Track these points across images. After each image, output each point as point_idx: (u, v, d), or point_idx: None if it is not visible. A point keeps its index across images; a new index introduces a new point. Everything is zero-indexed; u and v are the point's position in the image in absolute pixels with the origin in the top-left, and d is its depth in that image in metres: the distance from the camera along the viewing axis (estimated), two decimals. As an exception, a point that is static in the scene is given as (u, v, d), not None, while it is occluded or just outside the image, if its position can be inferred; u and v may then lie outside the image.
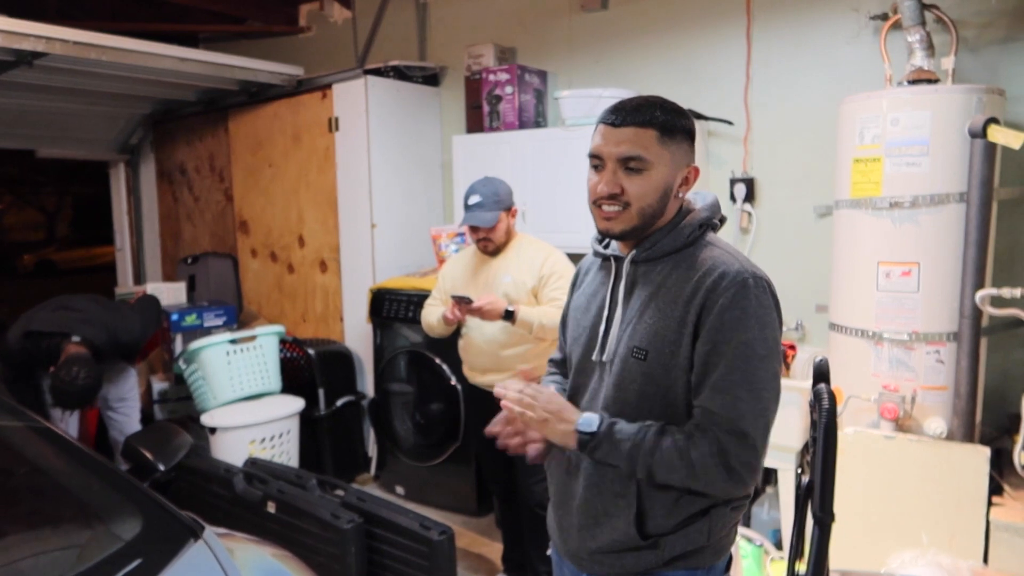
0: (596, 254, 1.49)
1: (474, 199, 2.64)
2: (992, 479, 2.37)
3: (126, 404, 3.64)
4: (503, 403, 1.35)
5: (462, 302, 2.54)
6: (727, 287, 1.26)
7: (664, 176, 1.32)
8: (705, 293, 1.27)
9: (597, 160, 1.34)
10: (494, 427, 1.45)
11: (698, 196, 1.43)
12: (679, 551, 1.32)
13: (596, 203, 1.35)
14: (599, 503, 1.36)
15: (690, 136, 1.35)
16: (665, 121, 1.30)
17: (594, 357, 1.40)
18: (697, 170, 1.37)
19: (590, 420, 1.30)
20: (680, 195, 1.37)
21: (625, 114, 1.31)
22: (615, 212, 1.32)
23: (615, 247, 1.44)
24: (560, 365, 1.67)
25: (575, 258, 2.83)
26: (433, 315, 2.78)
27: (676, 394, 1.30)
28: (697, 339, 1.27)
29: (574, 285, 1.60)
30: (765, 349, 1.25)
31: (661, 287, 1.33)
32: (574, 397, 1.46)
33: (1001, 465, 2.54)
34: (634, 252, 1.37)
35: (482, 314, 2.52)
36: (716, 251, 1.33)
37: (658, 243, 1.35)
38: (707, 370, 1.25)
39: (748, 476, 1.23)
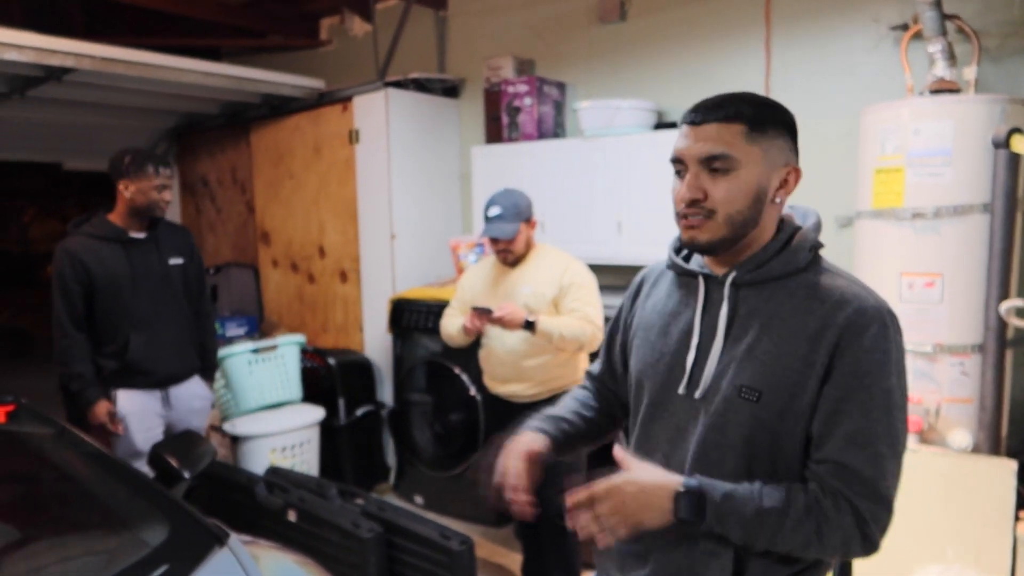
0: (674, 267, 1.30)
1: (494, 211, 2.66)
2: (1019, 493, 2.33)
3: None
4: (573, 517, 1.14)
5: (482, 313, 2.55)
6: (867, 325, 1.10)
7: (755, 177, 1.14)
8: (839, 330, 1.10)
9: (679, 164, 1.18)
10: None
11: (797, 211, 1.26)
12: None
13: (679, 213, 1.18)
14: (686, 560, 1.18)
15: (789, 130, 1.18)
16: (755, 114, 1.14)
17: (681, 391, 1.21)
18: (799, 171, 1.19)
19: (686, 503, 1.09)
20: (778, 200, 1.18)
21: (707, 110, 1.15)
22: (699, 221, 1.15)
23: (699, 262, 1.26)
24: (599, 380, 1.52)
25: (595, 269, 2.84)
26: (453, 325, 2.79)
27: (789, 442, 1.13)
28: (826, 382, 1.11)
29: (636, 296, 1.42)
30: (903, 399, 1.11)
31: (774, 317, 1.14)
32: (647, 432, 1.29)
33: (1028, 479, 2.50)
34: (736, 273, 1.18)
35: (502, 324, 2.52)
36: (840, 280, 1.16)
37: (765, 264, 1.17)
38: (840, 419, 1.09)
39: (881, 540, 1.10)
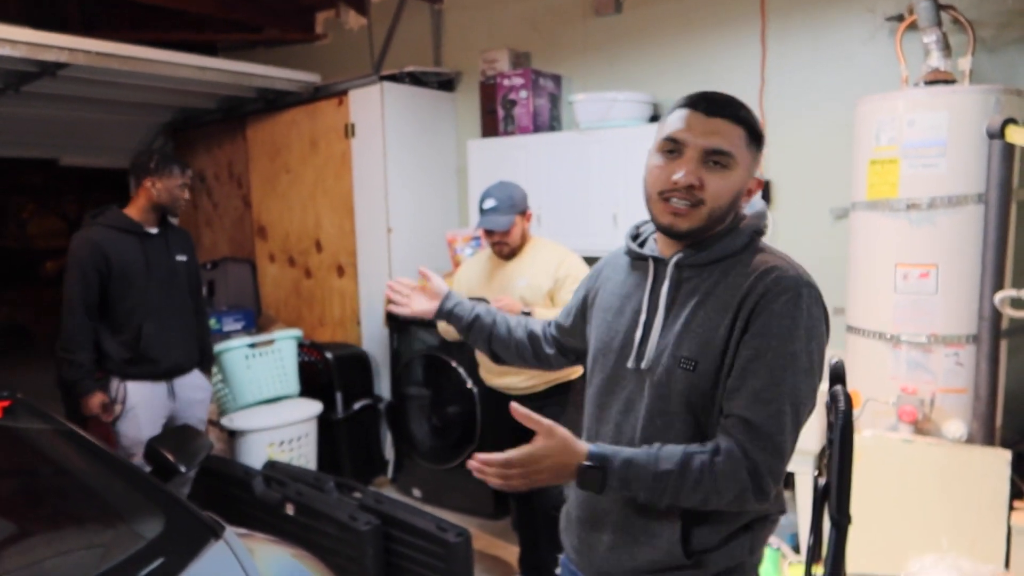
0: (630, 252, 1.39)
1: (489, 203, 2.66)
2: (1013, 483, 2.34)
3: None
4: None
5: None
6: (781, 292, 1.17)
7: (742, 180, 1.22)
8: (757, 297, 1.18)
9: (674, 145, 1.21)
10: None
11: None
12: (722, 567, 1.25)
13: (664, 194, 1.22)
14: (639, 521, 1.27)
15: (761, 146, 1.27)
16: (752, 124, 1.22)
17: (630, 365, 1.29)
18: (761, 183, 1.29)
19: (593, 472, 1.16)
20: (741, 206, 1.27)
21: (718, 105, 1.20)
22: (685, 208, 1.20)
23: (652, 246, 1.35)
24: (556, 327, 1.62)
25: (591, 262, 2.84)
26: None
27: (718, 402, 1.22)
28: (740, 343, 1.19)
29: (595, 279, 1.50)
30: (809, 363, 1.18)
31: (710, 295, 1.23)
32: (601, 404, 1.36)
33: (1022, 469, 2.51)
34: (680, 255, 1.27)
35: None
36: (769, 257, 1.24)
37: (709, 248, 1.25)
38: (747, 377, 1.17)
39: (773, 490, 1.17)
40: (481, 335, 1.67)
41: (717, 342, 1.20)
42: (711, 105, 1.20)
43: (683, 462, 1.16)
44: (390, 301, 1.72)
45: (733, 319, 1.19)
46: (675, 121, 1.22)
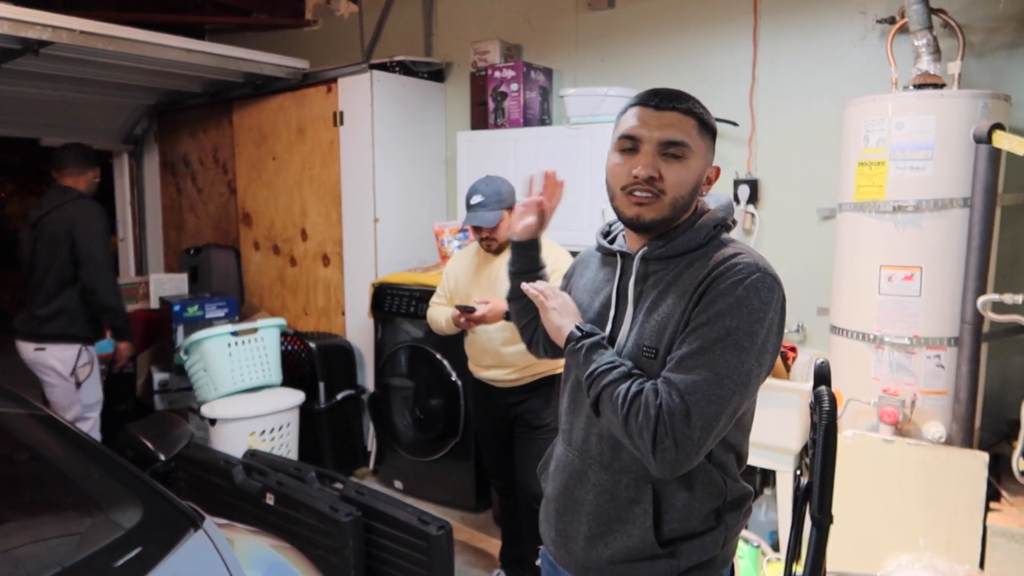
0: (600, 248, 1.45)
1: (476, 199, 2.65)
2: (990, 484, 2.37)
3: None
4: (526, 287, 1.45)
5: (465, 311, 2.56)
6: (730, 275, 1.20)
7: (700, 169, 1.27)
8: (710, 280, 1.22)
9: (631, 142, 1.26)
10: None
11: (711, 197, 1.39)
12: (695, 560, 1.29)
13: (626, 189, 1.27)
14: (612, 510, 1.31)
15: (715, 136, 1.32)
16: (702, 114, 1.27)
17: None
18: (719, 170, 1.35)
19: (585, 328, 1.33)
20: (703, 194, 1.33)
21: (669, 99, 1.25)
22: (648, 199, 1.25)
23: (621, 242, 1.39)
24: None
25: (578, 256, 2.84)
26: (442, 316, 2.79)
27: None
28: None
29: (570, 277, 1.57)
30: (749, 342, 1.17)
31: (672, 285, 1.27)
32: (575, 395, 1.41)
33: (999, 471, 2.54)
34: (645, 249, 1.32)
35: (485, 321, 2.56)
36: (732, 248, 1.28)
37: (672, 241, 1.29)
38: (682, 344, 1.20)
39: (670, 456, 1.15)
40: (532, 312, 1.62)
41: (671, 327, 1.24)
42: (662, 100, 1.25)
43: (624, 374, 1.24)
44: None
45: (687, 305, 1.23)
46: (629, 119, 1.28)
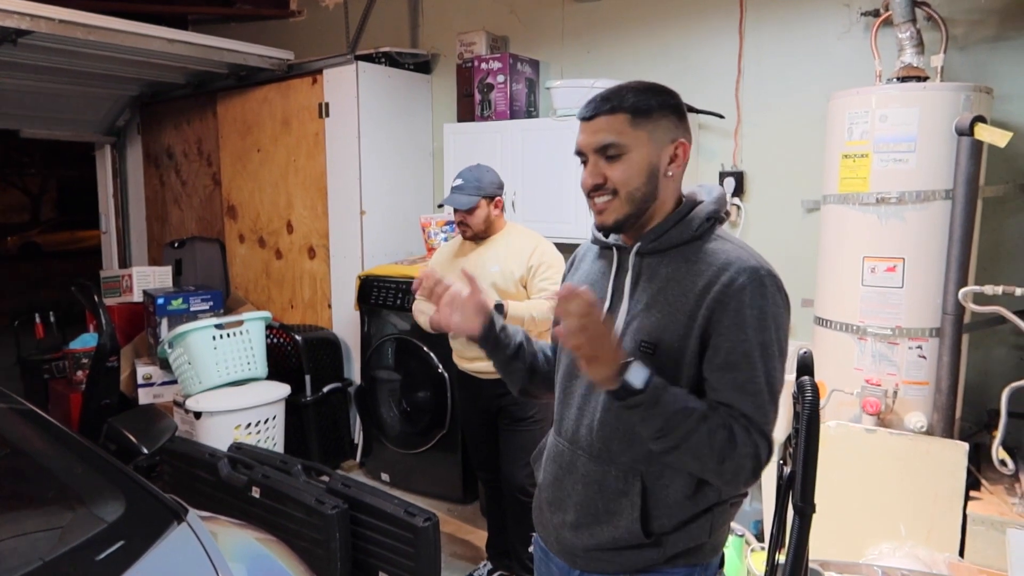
0: (596, 242, 1.46)
1: (457, 182, 2.71)
2: (970, 473, 2.40)
3: None
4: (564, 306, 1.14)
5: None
6: (745, 284, 1.22)
7: (646, 156, 1.28)
8: (721, 288, 1.23)
9: (581, 156, 1.34)
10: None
11: (703, 188, 1.39)
12: (681, 548, 1.30)
13: (589, 198, 1.34)
14: (600, 501, 1.33)
15: (673, 111, 1.30)
16: (636, 102, 1.27)
17: None
18: (685, 144, 1.31)
19: (639, 373, 1.16)
20: (671, 174, 1.30)
21: (595, 106, 1.30)
22: (605, 202, 1.30)
23: (616, 236, 1.40)
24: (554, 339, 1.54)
25: (565, 248, 2.84)
26: (430, 309, 2.78)
27: (683, 387, 1.25)
28: (708, 334, 1.24)
29: (568, 272, 1.58)
30: (780, 349, 1.25)
31: (670, 280, 1.29)
32: (567, 388, 1.42)
33: (979, 460, 2.58)
34: (639, 243, 1.33)
35: (453, 330, 2.55)
36: (728, 245, 1.29)
37: (665, 234, 1.31)
38: (730, 369, 1.21)
39: (758, 473, 1.25)
40: (522, 366, 1.52)
41: (677, 327, 1.25)
42: (590, 108, 1.31)
43: (710, 409, 1.21)
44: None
45: (695, 309, 1.24)
46: (577, 135, 1.34)
